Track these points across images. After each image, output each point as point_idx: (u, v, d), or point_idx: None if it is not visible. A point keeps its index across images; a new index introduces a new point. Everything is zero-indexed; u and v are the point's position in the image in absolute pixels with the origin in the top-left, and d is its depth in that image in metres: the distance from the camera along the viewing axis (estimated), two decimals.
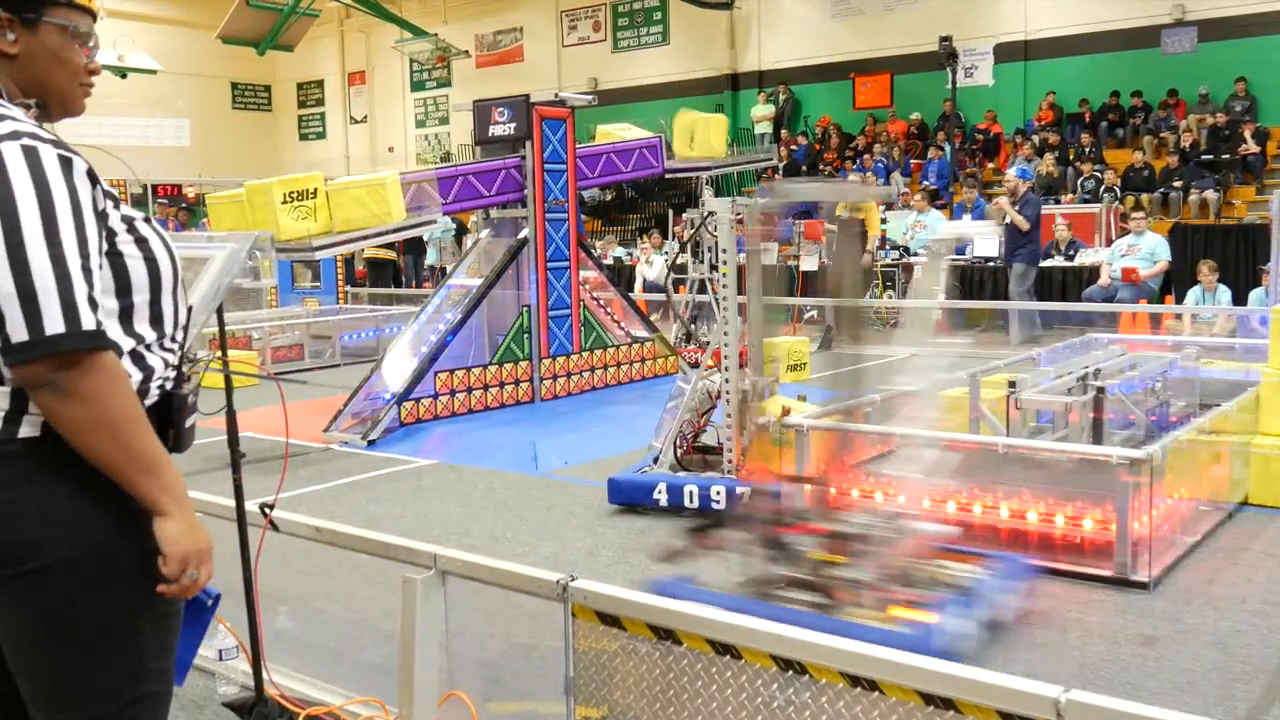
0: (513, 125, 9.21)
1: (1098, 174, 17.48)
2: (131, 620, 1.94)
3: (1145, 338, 9.92)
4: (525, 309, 9.22)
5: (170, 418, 2.04)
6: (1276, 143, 17.70)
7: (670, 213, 20.62)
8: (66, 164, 1.84)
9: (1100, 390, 6.17)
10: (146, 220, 2.05)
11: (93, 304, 1.80)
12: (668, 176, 12.04)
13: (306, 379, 11.16)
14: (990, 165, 20.19)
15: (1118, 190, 17.10)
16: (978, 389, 6.92)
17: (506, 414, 8.90)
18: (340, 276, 16.84)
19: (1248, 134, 17.35)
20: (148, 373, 1.99)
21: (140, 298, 1.99)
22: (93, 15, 2.05)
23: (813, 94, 23.84)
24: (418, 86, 30.63)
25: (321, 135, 33.06)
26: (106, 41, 23.61)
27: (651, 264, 16.69)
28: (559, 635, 2.87)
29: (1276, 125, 17.95)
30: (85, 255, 1.81)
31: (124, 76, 24.22)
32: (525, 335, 9.19)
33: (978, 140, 20.63)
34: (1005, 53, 21.04)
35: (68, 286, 1.77)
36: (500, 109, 9.32)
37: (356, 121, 32.28)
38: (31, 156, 1.81)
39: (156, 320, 2.02)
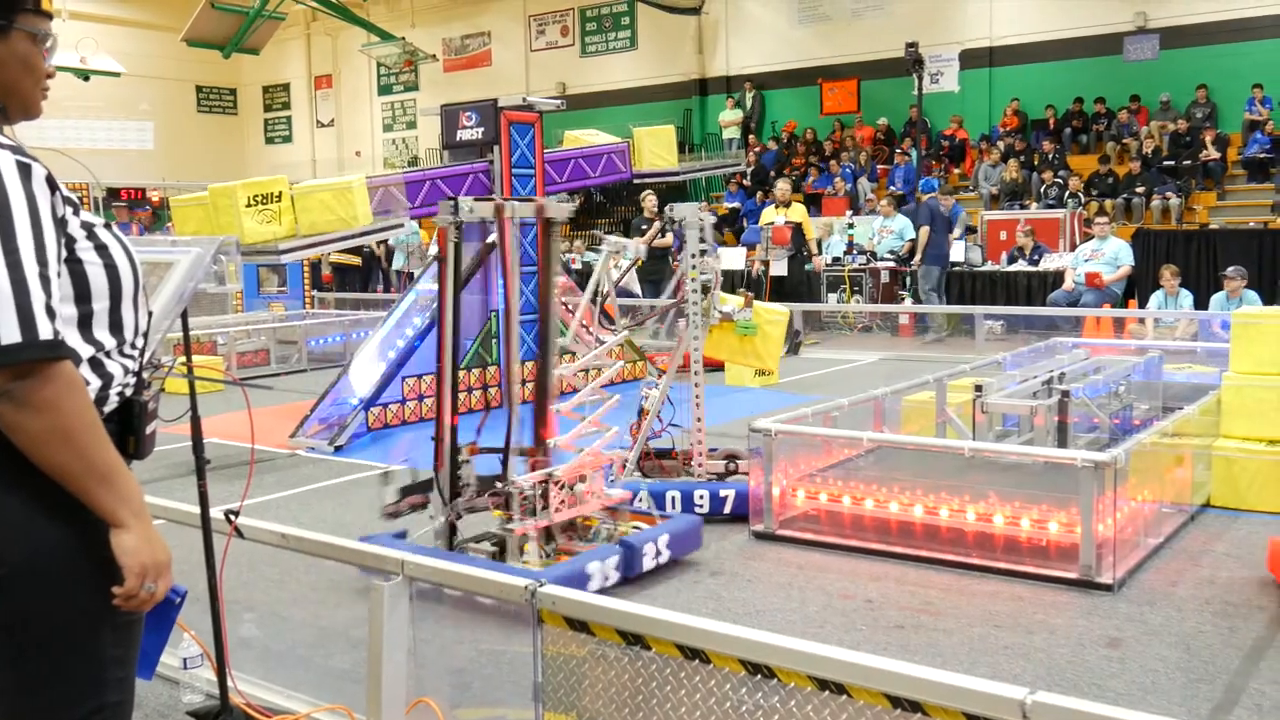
0: (481, 130, 9.19)
1: (1061, 180, 17.66)
2: (91, 630, 1.92)
3: (1109, 342, 10.03)
4: (493, 313, 9.20)
5: (131, 424, 2.02)
6: (1236, 149, 17.95)
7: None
8: (25, 170, 1.83)
9: (1065, 394, 6.22)
10: (107, 226, 2.03)
11: (50, 313, 1.78)
12: (635, 182, 12.05)
13: (272, 384, 11.08)
14: (956, 171, 20.35)
15: (1081, 196, 17.29)
16: (944, 393, 6.97)
17: (475, 419, 8.85)
18: (306, 281, 16.74)
19: (1208, 140, 17.58)
20: (107, 380, 1.97)
21: (100, 305, 1.97)
22: (51, 18, 2.04)
23: (780, 99, 23.95)
24: (385, 90, 30.51)
25: (288, 139, 32.86)
26: (68, 43, 23.41)
27: (619, 268, 16.65)
28: (527, 642, 2.86)
29: (1236, 132, 18.21)
30: (43, 263, 1.79)
31: (86, 79, 23.99)
32: (493, 340, 9.17)
33: (944, 146, 20.79)
34: (970, 59, 21.22)
35: (24, 295, 1.75)
36: (468, 113, 9.30)
37: (323, 125, 32.11)
38: None
39: (116, 327, 2.00)
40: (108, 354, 1.98)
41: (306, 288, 16.72)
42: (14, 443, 1.81)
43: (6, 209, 1.77)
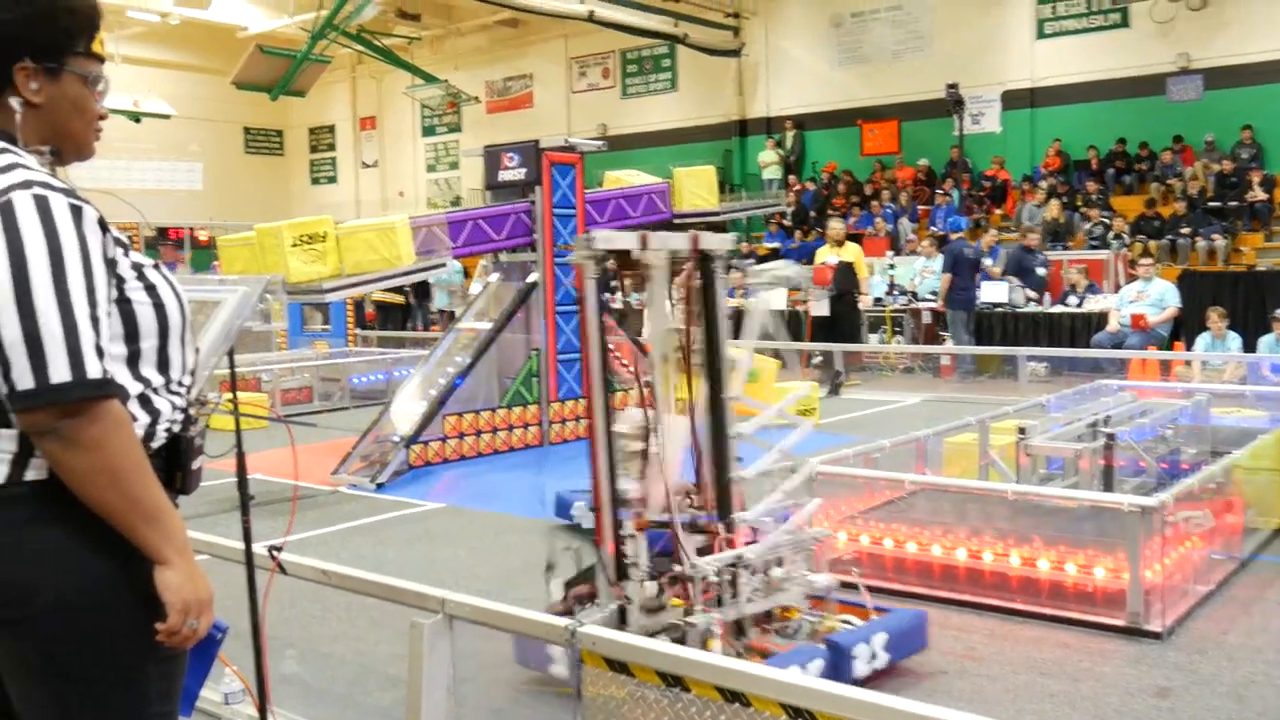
0: (523, 170, 9.28)
1: (1105, 220, 17.54)
2: (134, 665, 1.94)
3: (1155, 384, 9.90)
4: (534, 352, 9.24)
5: (178, 460, 2.05)
6: None
7: None
8: (77, 212, 1.86)
9: (1110, 437, 6.15)
10: (155, 267, 2.07)
11: (99, 352, 1.81)
12: (676, 221, 12.09)
13: (315, 422, 11.17)
14: (998, 211, 20.27)
15: (1125, 237, 17.16)
16: (987, 435, 6.90)
17: (516, 457, 8.90)
18: (350, 319, 16.90)
19: (1255, 181, 17.41)
20: (155, 416, 2.00)
21: (148, 343, 2.00)
22: (102, 61, 2.09)
23: (820, 140, 24.01)
24: (428, 132, 30.90)
25: (333, 179, 33.33)
26: (121, 86, 23.94)
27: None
28: (567, 682, 2.85)
29: None
30: (93, 304, 1.83)
31: (138, 121, 24.53)
32: (534, 379, 9.20)
33: (985, 186, 20.72)
34: (1012, 100, 21.19)
35: (74, 335, 1.78)
36: (510, 154, 9.40)
37: (367, 166, 32.55)
38: (42, 205, 1.83)
39: (164, 365, 2.03)
40: (155, 390, 2.01)
41: (350, 326, 16.88)
42: (63, 479, 1.83)
43: (59, 251, 1.81)
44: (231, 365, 3.68)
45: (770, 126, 24.46)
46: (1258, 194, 17.27)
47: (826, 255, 14.07)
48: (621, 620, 3.86)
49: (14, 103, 1.96)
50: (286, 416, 8.05)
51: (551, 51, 27.66)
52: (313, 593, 4.90)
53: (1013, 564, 5.13)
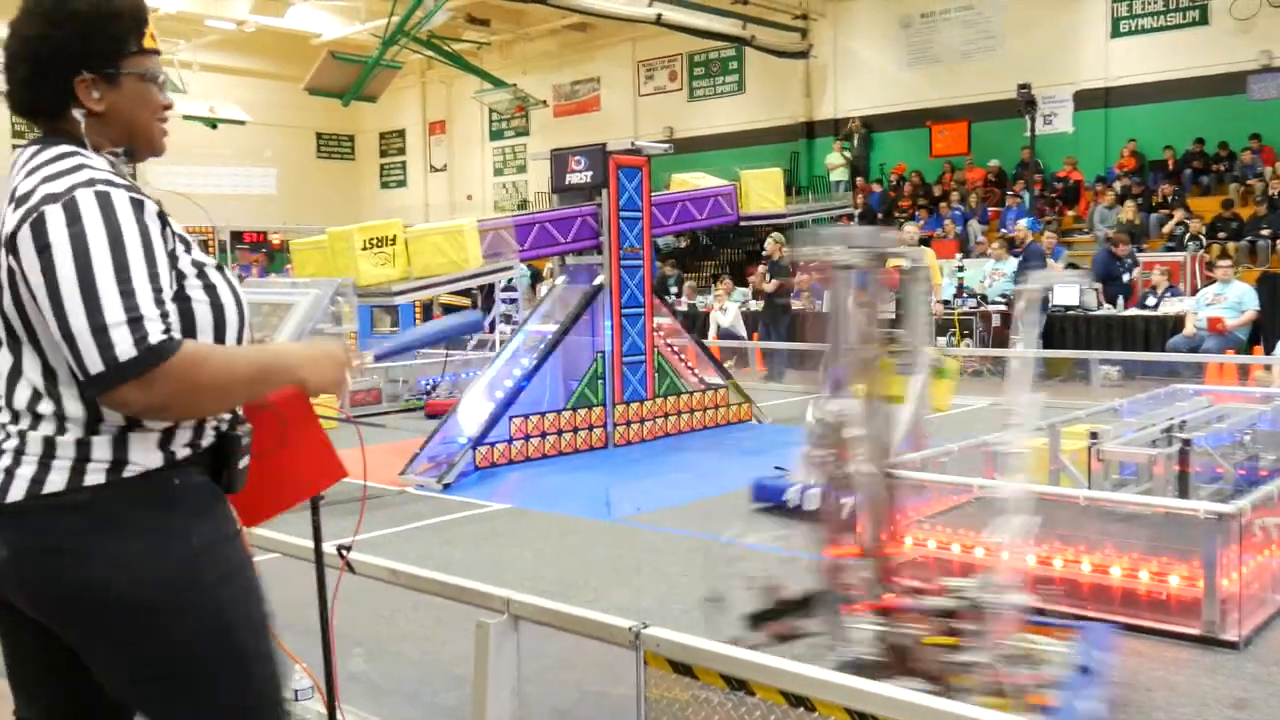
0: (589, 173, 9.32)
1: (1184, 222, 17.17)
2: (221, 640, 2.01)
3: (1233, 389, 9.67)
4: (600, 355, 9.27)
5: (225, 459, 2.09)
6: None
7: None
8: (138, 205, 1.91)
9: (1186, 442, 6.01)
10: (218, 268, 2.10)
11: (163, 317, 1.84)
12: (742, 224, 12.07)
13: (384, 422, 11.31)
14: (1070, 213, 19.93)
15: (1203, 238, 16.77)
16: (1058, 440, 6.78)
17: (580, 459, 8.93)
18: (418, 321, 17.07)
19: None
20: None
21: (203, 340, 2.04)
22: (158, 53, 2.12)
23: (888, 141, 23.79)
24: (496, 135, 31.14)
25: (402, 183, 33.72)
26: (198, 93, 24.48)
27: (725, 310, 16.70)
28: (631, 683, 2.86)
29: None
30: (155, 278, 1.87)
31: (215, 127, 25.04)
32: (599, 381, 9.24)
33: (1057, 188, 20.39)
34: (1085, 100, 20.81)
35: (135, 309, 1.82)
36: (577, 157, 9.44)
37: (436, 170, 32.89)
38: (104, 199, 1.88)
39: None
40: None
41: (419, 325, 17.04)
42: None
43: (119, 237, 1.86)
44: None
45: (838, 128, 24.30)
46: None
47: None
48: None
49: (78, 113, 2.00)
50: (356, 417, 8.15)
51: (619, 55, 27.74)
52: (381, 592, 4.96)
53: (1084, 570, 5.05)
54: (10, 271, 1.91)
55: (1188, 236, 16.75)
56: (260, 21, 24.86)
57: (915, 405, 5.90)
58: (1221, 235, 16.99)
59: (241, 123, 25.86)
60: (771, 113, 25.15)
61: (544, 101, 27.96)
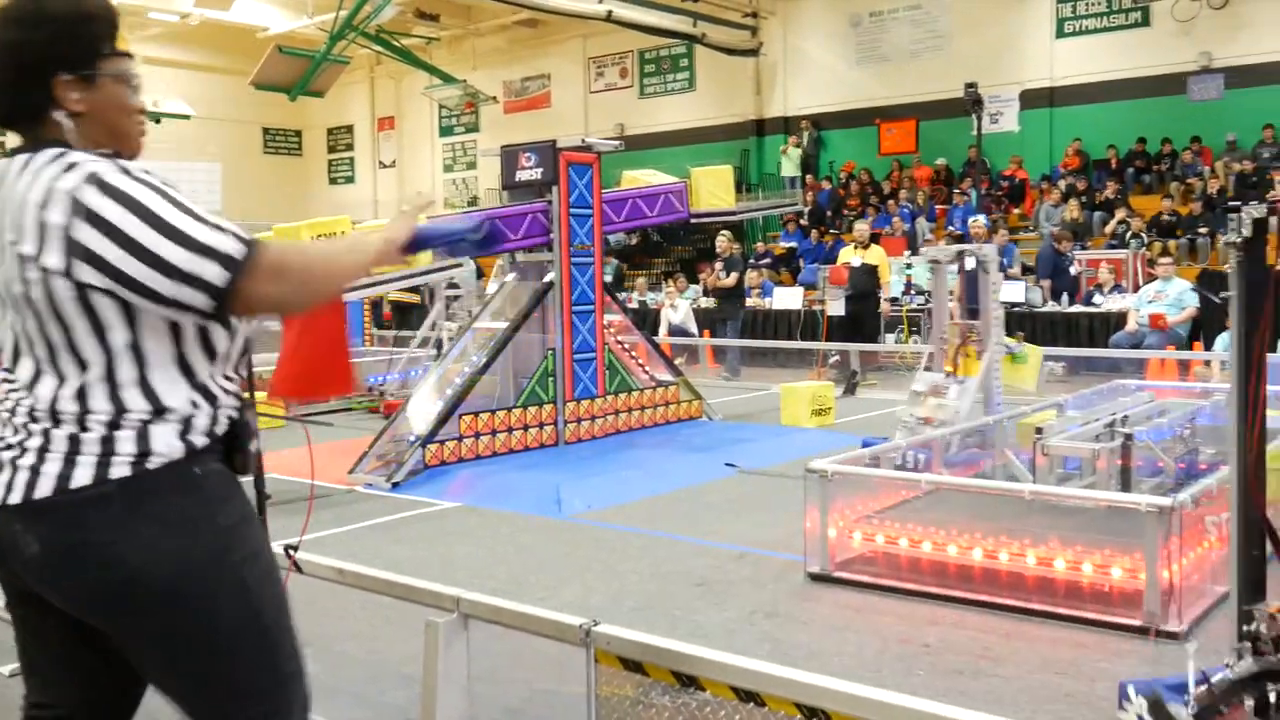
0: (539, 170, 9.29)
1: (1126, 220, 17.46)
2: (250, 619, 2.10)
3: (1174, 384, 9.85)
4: (550, 352, 9.25)
5: (236, 443, 2.17)
6: None
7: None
8: (125, 170, 1.97)
9: (1128, 437, 6.11)
10: None
11: (221, 230, 1.95)
12: (693, 222, 12.10)
13: (332, 421, 11.22)
14: (1016, 211, 20.19)
15: (1144, 236, 17.07)
16: (1004, 435, 6.88)
17: (531, 457, 8.91)
18: (367, 319, 16.93)
19: (1276, 180, 17.28)
20: (214, 403, 2.12)
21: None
22: (130, 55, 2.17)
23: (838, 140, 23.97)
24: (446, 132, 30.97)
25: (351, 180, 33.44)
26: (142, 87, 24.06)
27: (676, 308, 16.74)
28: (582, 681, 2.86)
29: None
30: (189, 210, 1.96)
31: (158, 121, 24.61)
32: (550, 378, 9.22)
33: (1003, 186, 20.65)
34: (1031, 99, 21.11)
35: (196, 242, 1.92)
36: (527, 154, 9.41)
37: (385, 166, 32.65)
38: (123, 169, 1.96)
39: (211, 353, 2.12)
40: (213, 378, 2.12)
41: (367, 325, 16.91)
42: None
43: (158, 189, 1.95)
44: (249, 364, 3.70)
45: (788, 126, 24.43)
46: (1278, 193, 17.13)
47: (850, 256, 14.04)
48: None
49: (60, 116, 2.05)
50: (303, 416, 8.08)
51: (569, 51, 27.70)
52: (329, 591, 4.92)
53: (1029, 564, 5.12)
54: (44, 272, 1.95)
55: (1130, 234, 17.03)
56: (205, 14, 24.51)
57: (983, 378, 7.30)
58: (1162, 234, 17.29)
59: (186, 117, 25.46)
60: (722, 110, 25.23)
61: (494, 98, 27.84)
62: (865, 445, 7.27)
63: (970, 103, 17.26)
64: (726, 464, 8.54)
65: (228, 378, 2.17)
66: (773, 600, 5.29)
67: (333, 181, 33.87)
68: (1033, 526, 5.17)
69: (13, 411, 2.06)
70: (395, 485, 8.08)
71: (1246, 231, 3.00)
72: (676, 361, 11.34)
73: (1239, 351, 3.03)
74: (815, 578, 5.55)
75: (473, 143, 29.92)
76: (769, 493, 7.59)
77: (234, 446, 2.15)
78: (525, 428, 9.04)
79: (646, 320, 16.37)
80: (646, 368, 10.59)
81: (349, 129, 33.27)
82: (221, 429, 2.12)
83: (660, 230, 22.70)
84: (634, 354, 10.57)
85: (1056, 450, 6.15)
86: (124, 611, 2.01)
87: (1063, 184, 19.49)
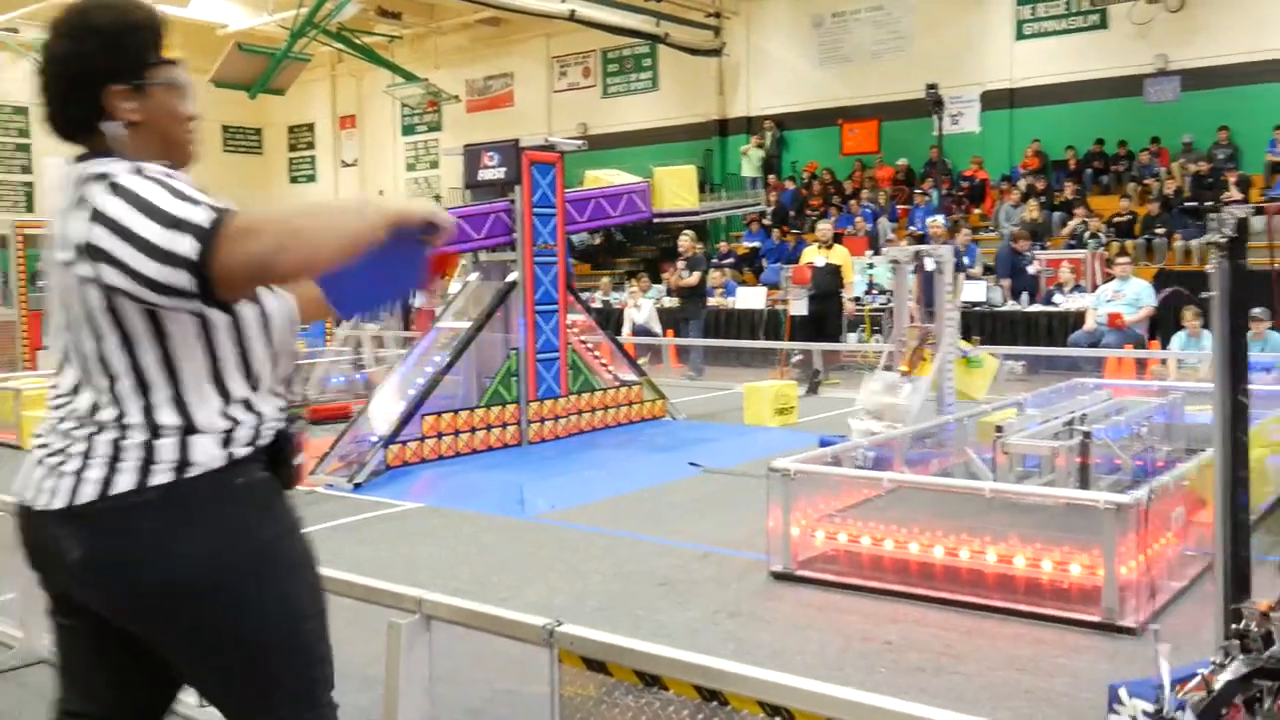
0: (502, 169, 9.26)
1: (1085, 220, 17.65)
2: (290, 631, 2.14)
3: (1131, 383, 9.96)
4: (513, 352, 9.22)
5: (280, 456, 2.19)
6: (1259, 190, 17.89)
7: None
8: (138, 170, 1.98)
9: (1086, 435, 6.18)
10: None
11: (196, 203, 1.90)
12: (656, 221, 12.10)
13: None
14: (977, 211, 20.36)
15: (1103, 236, 17.26)
16: (964, 433, 6.93)
17: (493, 457, 8.88)
18: (329, 323, 16.79)
19: (1231, 182, 17.55)
20: (259, 417, 2.13)
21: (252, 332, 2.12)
22: (177, 63, 2.19)
23: (800, 140, 24.06)
24: (408, 131, 30.80)
25: (312, 178, 33.18)
26: None
27: (640, 307, 16.74)
28: (545, 681, 2.85)
29: (1259, 173, 18.17)
30: (177, 194, 1.92)
31: None
32: (513, 378, 9.19)
33: (964, 187, 20.81)
34: (991, 100, 21.29)
35: (167, 217, 1.88)
36: (490, 153, 9.38)
37: (347, 165, 32.42)
38: (114, 186, 1.95)
39: (246, 367, 2.12)
40: (255, 391, 2.13)
41: (328, 325, 16.77)
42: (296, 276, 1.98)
43: (161, 179, 1.95)
44: (294, 379, 3.67)
45: (751, 126, 24.50)
46: (1234, 194, 17.37)
47: (813, 256, 14.12)
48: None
49: (112, 127, 2.06)
50: None
51: (532, 50, 27.62)
52: None
53: (990, 561, 5.16)
54: (80, 281, 1.97)
55: (1088, 235, 17.22)
56: (164, 11, 24.11)
57: (934, 378, 7.47)
58: (1119, 234, 17.49)
59: None
60: (685, 110, 25.26)
61: (456, 97, 27.71)
62: (823, 444, 7.30)
63: (931, 103, 17.37)
64: (690, 463, 8.55)
65: (275, 393, 2.19)
66: (736, 599, 5.31)
67: (294, 180, 33.59)
68: (993, 524, 5.22)
69: (60, 420, 2.09)
70: (357, 486, 8.03)
71: (1230, 232, 3.01)
72: (640, 361, 11.35)
73: (1222, 351, 3.06)
74: (778, 576, 5.57)
75: (435, 142, 29.78)
76: (732, 492, 7.61)
77: (279, 459, 2.18)
78: (488, 428, 9.01)
79: (610, 320, 16.37)
80: (610, 367, 10.58)
81: (310, 127, 33.01)
82: (265, 440, 2.14)
83: (623, 230, 22.70)
84: (597, 354, 10.56)
85: (1016, 448, 6.20)
86: (160, 617, 2.04)
87: (1022, 184, 19.68)
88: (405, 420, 8.54)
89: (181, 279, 1.87)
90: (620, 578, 5.72)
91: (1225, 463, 3.15)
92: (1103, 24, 20.06)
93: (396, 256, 2.02)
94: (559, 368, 9.52)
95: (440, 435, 8.67)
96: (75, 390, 2.08)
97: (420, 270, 2.12)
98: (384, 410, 8.97)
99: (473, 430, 8.89)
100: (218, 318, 2.05)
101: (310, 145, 33.19)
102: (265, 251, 1.88)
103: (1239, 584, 3.10)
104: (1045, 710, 3.95)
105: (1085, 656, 4.47)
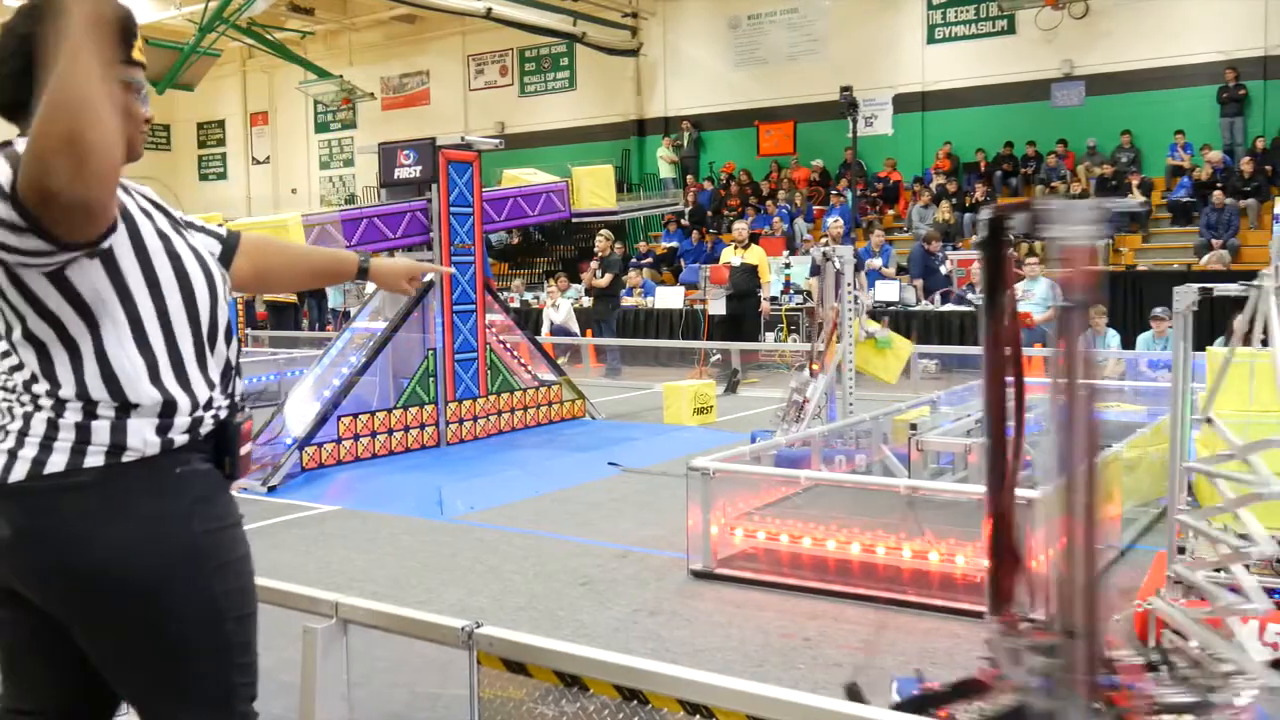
0: (419, 168, 9.17)
1: None
2: (210, 628, 2.09)
3: (1040, 381, 10.18)
4: (431, 352, 9.14)
5: (226, 447, 2.16)
6: (1160, 193, 18.45)
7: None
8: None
9: None
10: (183, 238, 2.16)
11: None
12: (574, 221, 12.09)
13: None
14: (891, 212, 20.67)
15: (1012, 237, 17.61)
16: (880, 431, 7.04)
17: (411, 458, 8.79)
18: (241, 319, 16.51)
19: (1134, 184, 18.06)
20: (194, 402, 2.09)
21: (175, 308, 2.08)
22: (143, 66, 2.17)
23: (718, 140, 24.21)
24: (322, 128, 30.36)
25: (223, 176, 32.55)
26: None
27: (558, 307, 16.70)
28: (464, 684, 2.83)
29: (1160, 176, 18.74)
30: None
31: None
32: (431, 379, 9.11)
33: (878, 188, 21.12)
34: (904, 103, 21.65)
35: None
36: (406, 152, 9.28)
37: (259, 162, 31.85)
38: (8, 155, 1.87)
39: (203, 362, 2.12)
40: (188, 370, 2.09)
41: (241, 325, 16.49)
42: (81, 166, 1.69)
43: (16, 154, 1.85)
44: (237, 369, 3.57)
45: (668, 126, 24.59)
46: (1136, 196, 17.91)
47: (730, 256, 14.21)
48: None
49: None
50: None
51: (449, 48, 27.41)
52: None
53: (905, 557, 5.24)
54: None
55: None
56: None
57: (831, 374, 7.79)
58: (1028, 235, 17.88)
59: None
60: (603, 110, 25.27)
61: (371, 94, 27.40)
62: (753, 439, 7.37)
63: (845, 105, 17.59)
64: (609, 463, 8.55)
65: (214, 380, 2.14)
66: (656, 598, 5.32)
67: (204, 177, 32.91)
68: (908, 521, 5.30)
69: None
70: (271, 489, 7.89)
71: (985, 232, 2.68)
72: (559, 361, 11.32)
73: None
74: (698, 575, 5.60)
75: (350, 139, 29.41)
76: (652, 491, 7.63)
77: (224, 450, 2.15)
78: (406, 429, 8.91)
79: (528, 320, 16.30)
80: (529, 367, 10.54)
81: (220, 124, 32.37)
82: (206, 429, 2.11)
83: (542, 229, 22.63)
84: (516, 354, 10.51)
85: (930, 446, 6.32)
86: (84, 602, 2.00)
87: (934, 186, 20.03)
88: (321, 422, 8.41)
89: (12, 215, 1.79)
90: (541, 578, 5.70)
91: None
92: (1011, 29, 20.52)
93: None
94: (477, 368, 9.45)
95: (357, 437, 8.56)
96: (12, 369, 2.05)
97: None
98: (299, 412, 8.83)
99: (390, 432, 8.79)
100: (133, 283, 1.99)
101: (221, 142, 32.55)
102: (52, 129, 1.68)
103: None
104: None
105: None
